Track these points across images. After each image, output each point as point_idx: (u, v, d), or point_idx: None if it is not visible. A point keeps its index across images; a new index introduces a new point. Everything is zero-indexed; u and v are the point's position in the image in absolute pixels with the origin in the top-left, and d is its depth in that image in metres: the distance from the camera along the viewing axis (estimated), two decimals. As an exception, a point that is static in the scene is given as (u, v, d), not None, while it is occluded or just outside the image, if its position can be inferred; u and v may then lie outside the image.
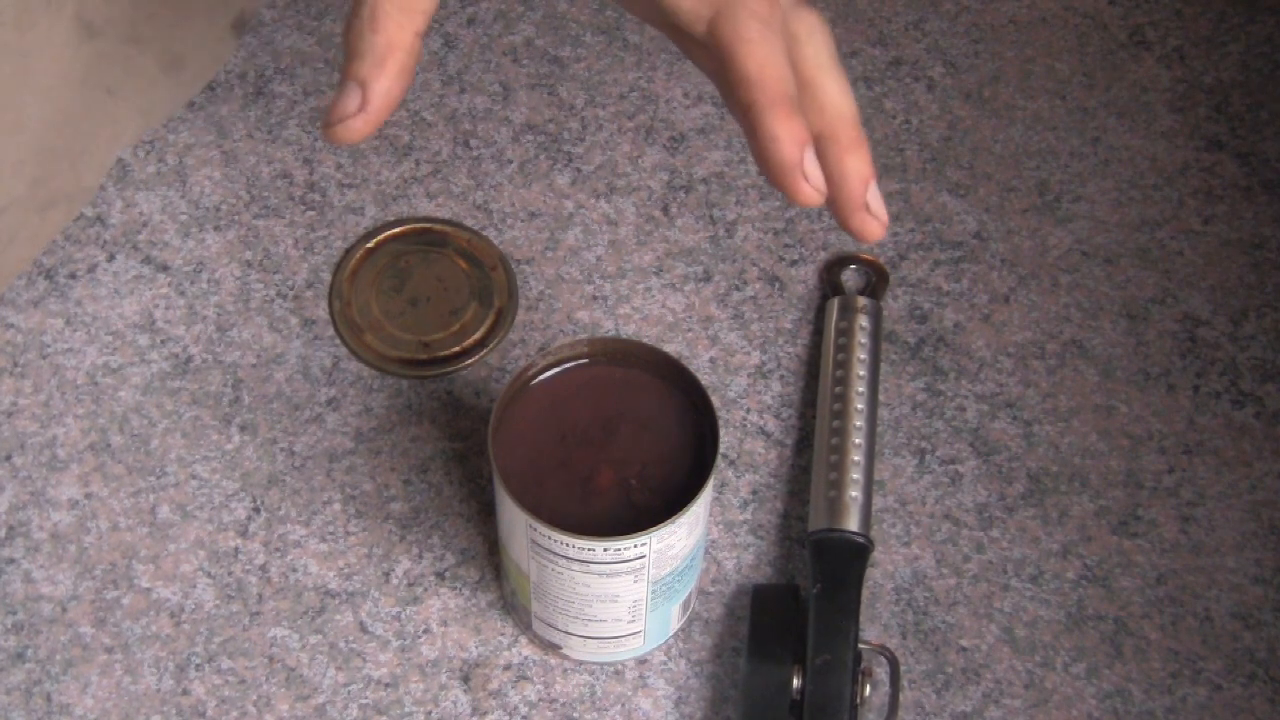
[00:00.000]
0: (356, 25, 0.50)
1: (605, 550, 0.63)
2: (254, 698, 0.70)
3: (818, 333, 0.80)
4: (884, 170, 0.85)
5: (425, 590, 0.73)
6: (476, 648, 0.72)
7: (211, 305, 0.80)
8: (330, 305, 0.80)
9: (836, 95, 0.53)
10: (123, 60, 0.78)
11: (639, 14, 0.55)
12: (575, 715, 0.70)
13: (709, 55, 0.54)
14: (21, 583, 0.72)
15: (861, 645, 0.69)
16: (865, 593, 0.72)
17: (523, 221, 0.83)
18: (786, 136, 0.50)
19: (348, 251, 0.82)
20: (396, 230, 0.82)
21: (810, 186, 0.50)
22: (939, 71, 0.89)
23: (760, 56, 0.50)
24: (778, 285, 0.81)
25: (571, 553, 0.63)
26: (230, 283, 0.81)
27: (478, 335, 0.79)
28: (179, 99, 0.85)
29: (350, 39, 0.51)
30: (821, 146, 0.52)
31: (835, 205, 0.53)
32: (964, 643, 0.72)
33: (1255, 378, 0.79)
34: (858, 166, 0.52)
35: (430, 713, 0.70)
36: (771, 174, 0.51)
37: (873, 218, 0.52)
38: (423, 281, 0.81)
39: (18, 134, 0.74)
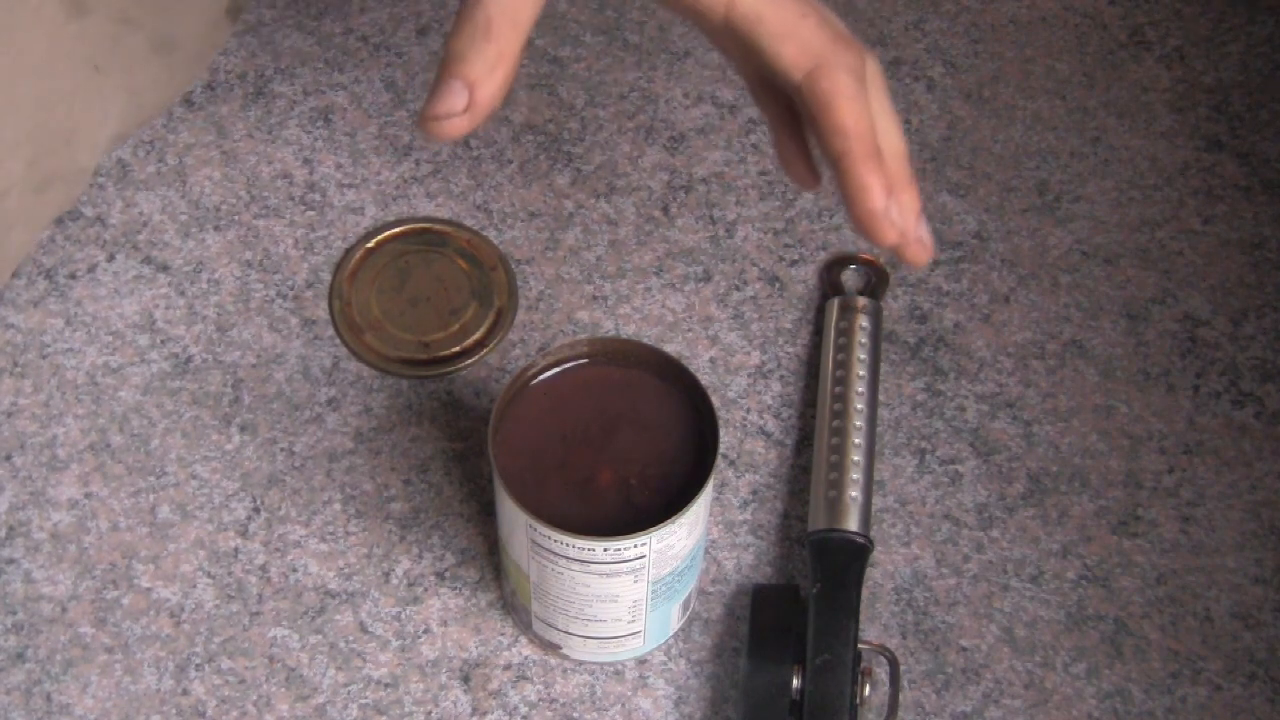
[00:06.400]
0: (469, 30, 0.53)
1: (605, 550, 0.63)
2: (254, 698, 0.70)
3: (818, 333, 0.80)
4: (884, 170, 0.85)
5: (425, 590, 0.73)
6: (476, 648, 0.72)
7: (211, 305, 0.80)
8: (330, 305, 0.80)
9: (893, 137, 0.58)
10: (111, 39, 0.78)
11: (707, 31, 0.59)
12: (575, 715, 0.70)
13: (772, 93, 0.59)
14: (21, 583, 0.72)
15: (861, 645, 0.69)
16: (865, 593, 0.72)
17: (523, 221, 0.83)
18: (876, 185, 0.55)
19: (348, 251, 0.82)
20: (396, 230, 0.82)
21: (895, 230, 0.56)
22: (939, 71, 0.89)
23: (856, 111, 0.55)
24: (778, 285, 0.81)
25: (571, 553, 0.63)
26: (230, 283, 0.81)
27: (478, 335, 0.79)
28: (173, 83, 0.84)
29: (459, 44, 0.53)
30: None
31: None
32: (964, 643, 0.72)
33: (1255, 378, 0.79)
34: (911, 202, 0.57)
35: (430, 713, 0.70)
36: (859, 217, 0.56)
37: (923, 246, 0.58)
38: (423, 281, 0.81)
39: (13, 114, 0.74)
